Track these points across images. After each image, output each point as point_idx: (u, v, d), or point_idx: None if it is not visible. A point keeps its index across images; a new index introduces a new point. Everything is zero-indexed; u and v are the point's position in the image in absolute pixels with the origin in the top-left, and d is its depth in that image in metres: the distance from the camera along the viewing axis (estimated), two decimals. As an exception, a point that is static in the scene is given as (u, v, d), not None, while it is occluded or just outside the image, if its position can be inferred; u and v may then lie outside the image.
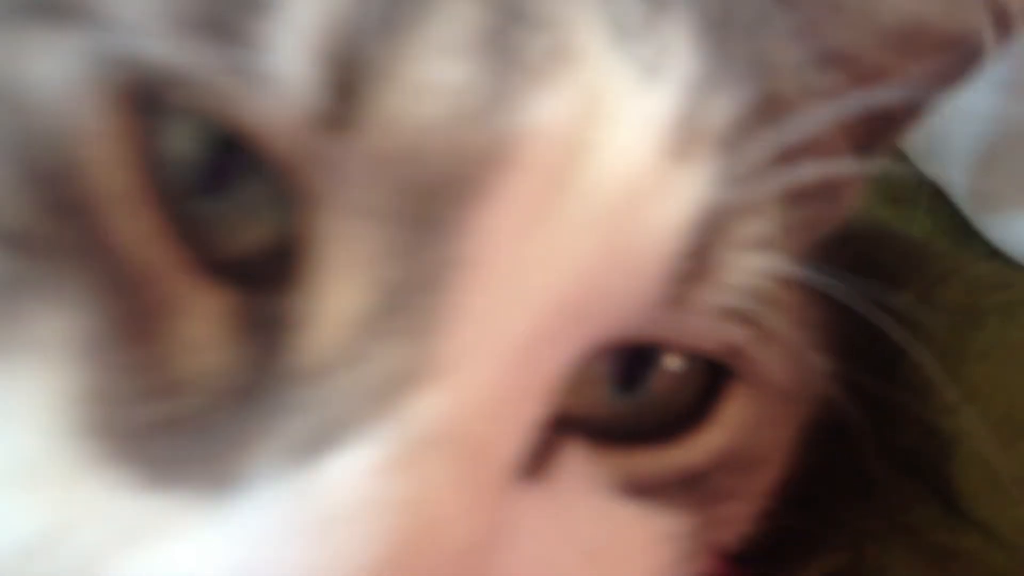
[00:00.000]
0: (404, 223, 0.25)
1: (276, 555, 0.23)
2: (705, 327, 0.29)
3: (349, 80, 0.24)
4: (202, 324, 0.25)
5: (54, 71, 0.25)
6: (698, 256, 0.28)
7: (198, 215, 0.25)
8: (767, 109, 0.29)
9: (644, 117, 0.27)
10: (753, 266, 0.29)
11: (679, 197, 0.27)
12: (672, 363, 0.31)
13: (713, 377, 0.32)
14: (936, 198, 0.56)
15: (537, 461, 0.28)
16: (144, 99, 0.25)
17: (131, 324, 0.25)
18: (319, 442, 0.24)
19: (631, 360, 0.30)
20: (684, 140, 0.27)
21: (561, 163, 0.26)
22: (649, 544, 0.31)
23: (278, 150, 0.25)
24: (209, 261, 0.26)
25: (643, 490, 0.31)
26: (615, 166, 0.26)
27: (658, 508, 0.31)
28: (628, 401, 0.31)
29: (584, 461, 0.30)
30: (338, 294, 0.25)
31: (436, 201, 0.25)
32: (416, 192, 0.25)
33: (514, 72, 0.25)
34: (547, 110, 0.26)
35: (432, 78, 0.25)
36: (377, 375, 0.25)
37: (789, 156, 0.29)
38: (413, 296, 0.25)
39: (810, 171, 0.29)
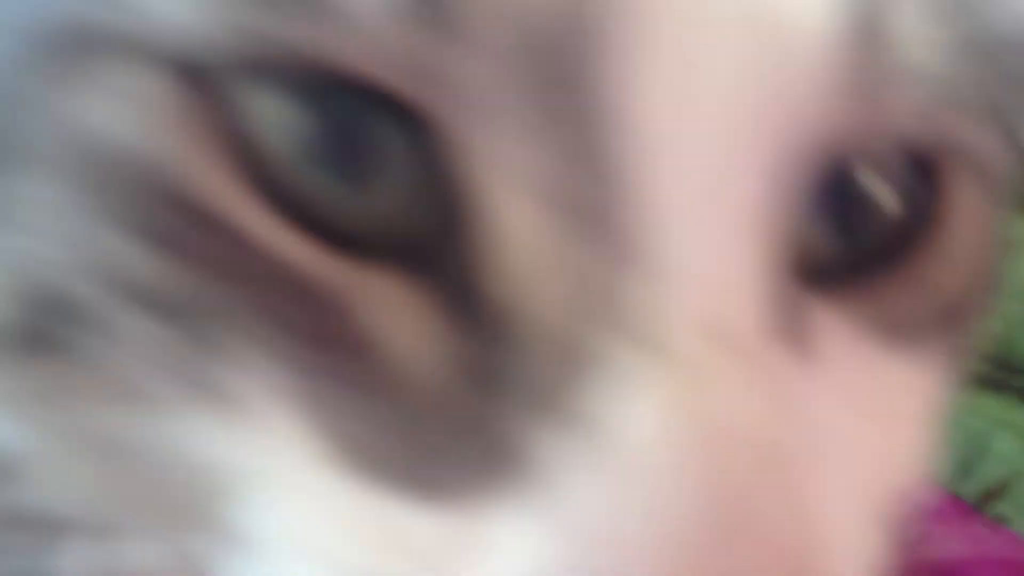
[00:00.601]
0: (553, 119, 0.21)
1: (611, 522, 0.21)
2: (900, 117, 0.24)
3: None
4: (396, 320, 0.22)
5: (118, 103, 0.22)
6: (869, 31, 0.23)
7: (325, 201, 0.22)
8: None
9: None
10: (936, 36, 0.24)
11: None
12: (873, 179, 0.26)
13: (925, 178, 0.27)
14: None
15: (794, 328, 0.24)
16: (216, 86, 0.22)
17: (327, 352, 0.22)
18: (578, 395, 0.21)
19: (832, 193, 0.25)
20: None
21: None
22: (924, 392, 0.27)
23: (389, 83, 0.21)
24: (364, 249, 0.22)
25: (906, 331, 0.27)
26: None
27: (926, 349, 0.27)
28: (846, 236, 0.26)
29: (836, 315, 0.26)
30: (515, 223, 0.22)
31: (576, 80, 0.21)
32: (549, 75, 0.21)
33: None
34: None
35: None
36: (595, 304, 0.22)
37: None
38: (602, 201, 0.21)
39: None
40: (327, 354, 0.22)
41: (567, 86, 0.21)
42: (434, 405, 0.22)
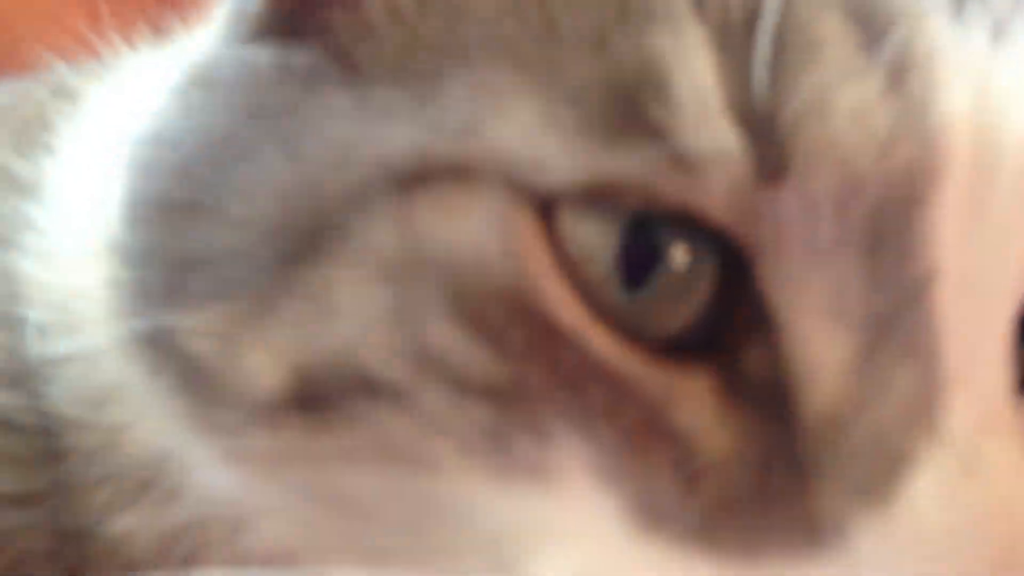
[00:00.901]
0: (859, 252, 0.25)
1: None
2: None
3: (769, 129, 0.25)
4: (694, 408, 0.26)
5: (472, 226, 0.26)
6: None
7: (634, 310, 0.26)
8: None
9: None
10: None
11: None
12: None
13: None
14: None
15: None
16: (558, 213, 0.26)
17: (634, 435, 0.26)
18: (880, 484, 0.25)
19: None
20: None
21: (979, 152, 0.26)
22: None
23: (719, 219, 0.26)
24: (663, 348, 0.26)
25: None
26: (1018, 137, 0.27)
27: None
28: None
29: None
30: (821, 339, 0.25)
31: (883, 221, 0.26)
32: (862, 217, 0.25)
33: (906, 73, 0.26)
34: (952, 105, 0.26)
35: (842, 102, 0.25)
36: (897, 405, 0.26)
37: None
38: (897, 321, 0.26)
39: None
40: (637, 440, 0.25)
41: (878, 228, 0.25)
42: (735, 483, 0.25)
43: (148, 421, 0.32)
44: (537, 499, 0.26)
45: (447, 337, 0.26)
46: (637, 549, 0.26)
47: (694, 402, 0.26)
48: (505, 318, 0.26)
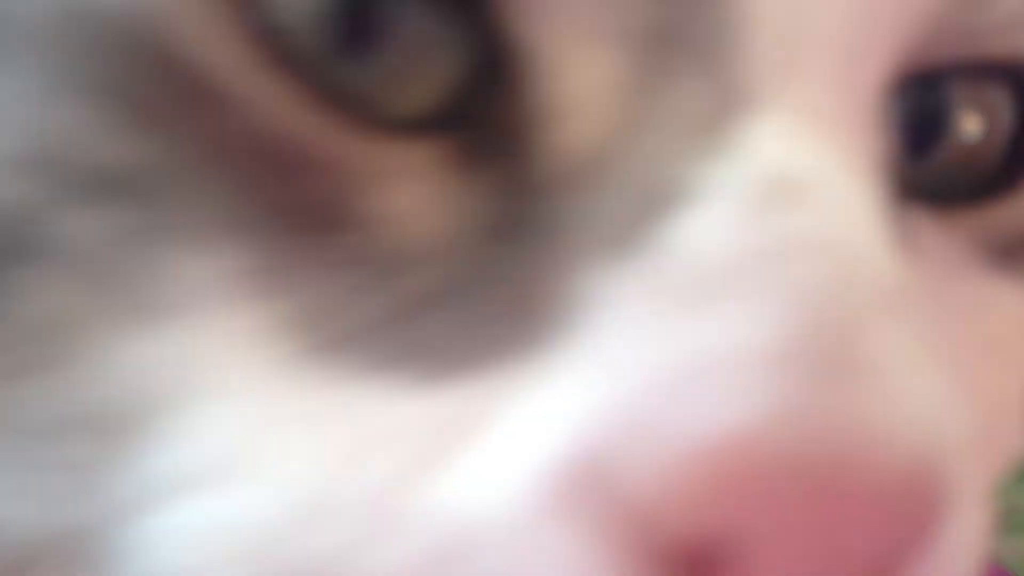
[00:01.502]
0: None
1: (676, 355, 0.17)
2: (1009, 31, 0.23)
3: None
4: (410, 187, 0.20)
5: None
6: None
7: (353, 82, 0.20)
8: None
9: None
10: None
11: None
12: (971, 121, 0.24)
13: None
14: None
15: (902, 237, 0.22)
16: None
17: (308, 227, 0.19)
18: (646, 218, 0.19)
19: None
20: None
21: None
22: None
23: None
24: (389, 122, 0.20)
25: (1010, 252, 0.25)
26: None
27: None
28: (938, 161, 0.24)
29: (936, 231, 0.24)
30: (581, 64, 0.20)
31: None
32: None
33: None
34: None
35: None
36: (680, 126, 0.19)
37: None
38: (685, 28, 0.20)
39: None
40: (307, 234, 0.19)
41: None
42: (444, 272, 0.19)
43: None
44: (176, 335, 0.19)
45: (78, 120, 0.19)
46: (306, 376, 0.19)
47: (412, 180, 0.20)
48: (150, 84, 0.19)
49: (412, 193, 0.20)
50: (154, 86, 0.19)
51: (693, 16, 0.19)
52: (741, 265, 0.18)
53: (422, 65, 0.20)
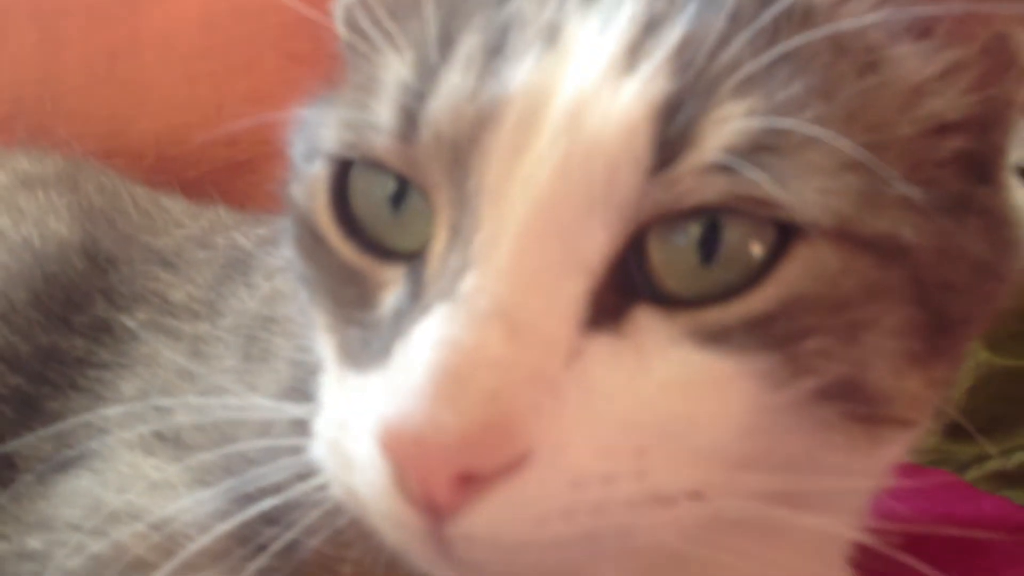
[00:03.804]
0: (453, 183, 0.38)
1: (406, 385, 0.36)
2: (695, 186, 0.36)
3: (412, 111, 0.39)
4: (391, 287, 0.41)
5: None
6: (679, 134, 0.36)
7: (381, 233, 0.42)
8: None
9: (593, 51, 0.37)
10: (737, 128, 0.36)
11: (624, 99, 0.36)
12: (734, 232, 0.36)
13: (782, 237, 0.36)
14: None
15: (610, 319, 0.37)
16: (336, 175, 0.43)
17: (355, 302, 0.42)
18: (411, 326, 0.38)
19: (708, 236, 0.37)
20: (630, 59, 0.37)
21: (532, 106, 0.37)
22: (726, 381, 0.37)
23: (394, 164, 0.40)
24: (392, 255, 0.41)
25: (713, 338, 0.36)
26: (569, 92, 0.37)
27: (730, 350, 0.36)
28: (709, 270, 0.37)
29: (655, 319, 0.37)
30: (437, 239, 0.39)
31: (462, 162, 0.38)
32: (449, 161, 0.38)
33: (494, 61, 0.38)
34: (520, 75, 0.37)
35: (444, 88, 0.38)
36: (449, 277, 0.37)
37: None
38: (463, 223, 0.38)
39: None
40: (353, 305, 0.42)
41: (459, 167, 0.38)
42: (380, 328, 0.40)
43: None
44: (319, 346, 0.44)
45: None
46: (340, 373, 0.41)
47: (391, 284, 0.41)
48: (310, 238, 0.44)
49: (393, 292, 0.41)
50: (309, 241, 0.44)
51: (468, 216, 0.38)
52: (424, 353, 0.36)
53: (414, 234, 0.41)
